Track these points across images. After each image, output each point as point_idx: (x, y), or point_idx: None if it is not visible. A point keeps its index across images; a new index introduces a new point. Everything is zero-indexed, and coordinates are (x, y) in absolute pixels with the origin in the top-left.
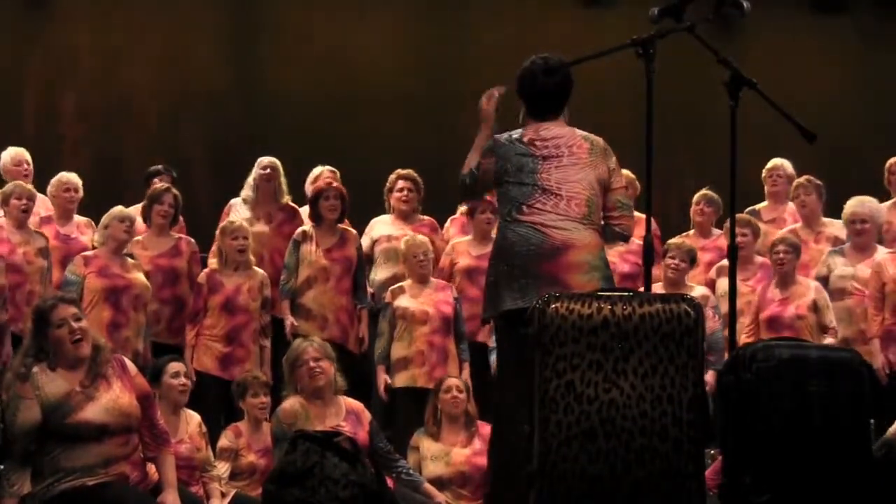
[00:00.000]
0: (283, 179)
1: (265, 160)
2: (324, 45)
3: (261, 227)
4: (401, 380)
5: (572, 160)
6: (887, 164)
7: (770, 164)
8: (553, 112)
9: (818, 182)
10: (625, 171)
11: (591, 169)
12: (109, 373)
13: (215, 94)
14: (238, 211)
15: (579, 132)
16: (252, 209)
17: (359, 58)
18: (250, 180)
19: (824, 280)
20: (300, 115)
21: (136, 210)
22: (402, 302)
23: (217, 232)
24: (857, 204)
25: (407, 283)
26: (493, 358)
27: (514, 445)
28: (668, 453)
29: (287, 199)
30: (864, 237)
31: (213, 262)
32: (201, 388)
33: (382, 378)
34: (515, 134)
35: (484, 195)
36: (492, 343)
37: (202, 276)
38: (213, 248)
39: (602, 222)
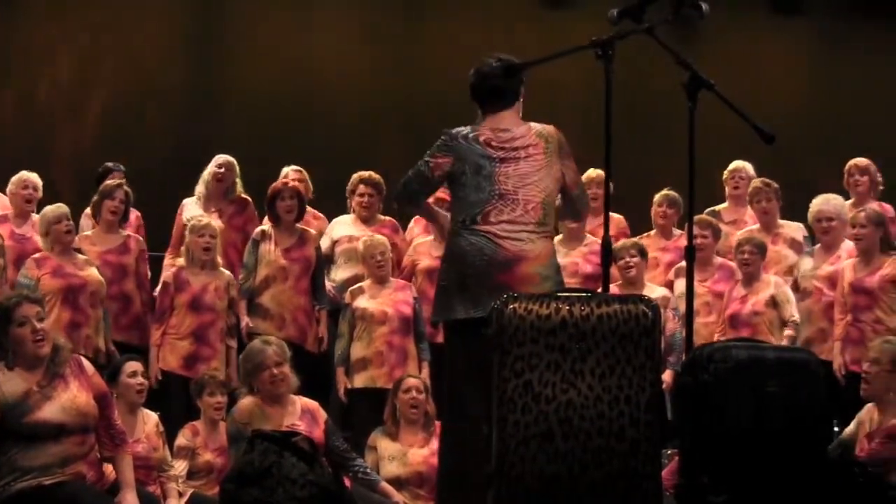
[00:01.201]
0: (237, 178)
1: (221, 158)
2: (284, 45)
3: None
4: (360, 380)
5: (529, 162)
6: (847, 166)
7: (732, 165)
8: (506, 104)
9: (775, 185)
10: (596, 171)
11: (546, 170)
12: (67, 372)
13: (172, 93)
14: (189, 209)
15: (534, 127)
16: (203, 205)
17: (319, 59)
18: (205, 175)
19: (795, 283)
20: (260, 116)
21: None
22: (362, 302)
23: (185, 231)
24: (822, 202)
25: (366, 283)
26: None
27: (463, 447)
28: (626, 454)
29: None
30: (830, 235)
31: (179, 260)
32: (166, 387)
33: (342, 381)
34: (472, 132)
35: (426, 200)
36: None
37: (168, 275)
38: (170, 246)
39: (554, 225)
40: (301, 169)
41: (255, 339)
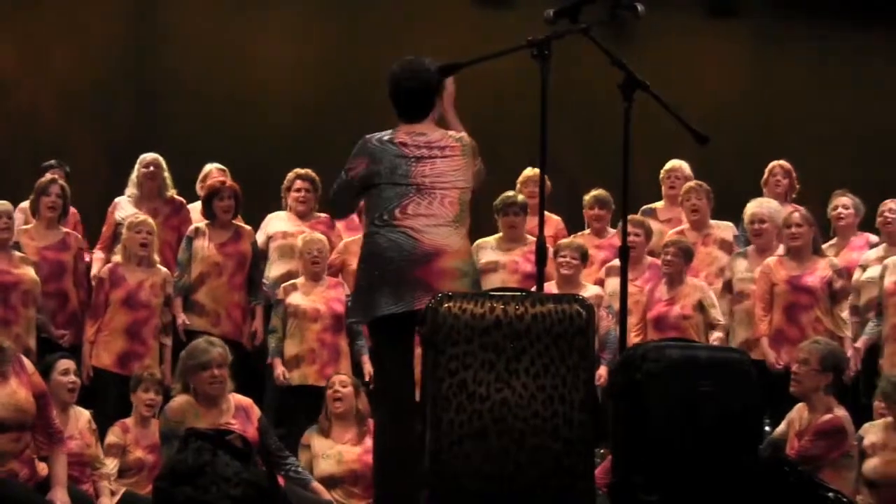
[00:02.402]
0: (166, 175)
1: (147, 157)
2: (221, 42)
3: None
4: (293, 378)
5: (446, 161)
6: (770, 165)
7: (668, 165)
8: (422, 114)
9: (707, 186)
10: (533, 170)
11: (463, 170)
12: (8, 370)
13: (109, 90)
14: (124, 208)
15: (450, 133)
16: (136, 206)
17: (255, 56)
18: (133, 177)
19: (728, 284)
20: (195, 113)
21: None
22: (294, 299)
23: (120, 228)
24: (756, 205)
25: (300, 280)
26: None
27: (396, 444)
28: (559, 453)
29: (172, 192)
30: (763, 238)
31: (115, 257)
32: (100, 384)
33: (280, 370)
34: (386, 136)
35: (357, 205)
36: None
37: (104, 271)
38: (99, 241)
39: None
40: (224, 168)
41: (200, 337)
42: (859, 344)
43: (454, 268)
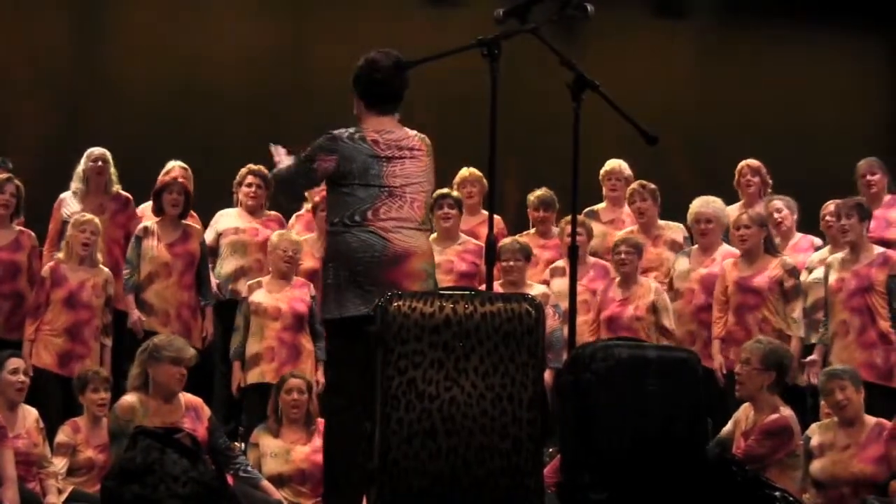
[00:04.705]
0: (113, 170)
1: (96, 151)
2: (171, 39)
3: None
4: (252, 376)
5: (414, 163)
6: (738, 167)
7: (607, 166)
8: (392, 106)
9: (652, 186)
10: (469, 170)
11: (427, 172)
12: None
13: (56, 84)
14: (69, 204)
15: (412, 132)
16: (82, 201)
17: (205, 53)
18: (79, 171)
19: (671, 282)
20: (145, 110)
21: None
22: (257, 297)
23: (65, 225)
24: (701, 204)
25: (266, 278)
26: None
27: (347, 444)
28: (508, 452)
29: (117, 188)
30: (708, 237)
31: (59, 255)
32: (40, 384)
33: (237, 376)
34: (357, 133)
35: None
36: None
37: (45, 270)
38: (47, 242)
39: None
40: (186, 166)
41: (171, 336)
42: (815, 356)
43: (422, 269)
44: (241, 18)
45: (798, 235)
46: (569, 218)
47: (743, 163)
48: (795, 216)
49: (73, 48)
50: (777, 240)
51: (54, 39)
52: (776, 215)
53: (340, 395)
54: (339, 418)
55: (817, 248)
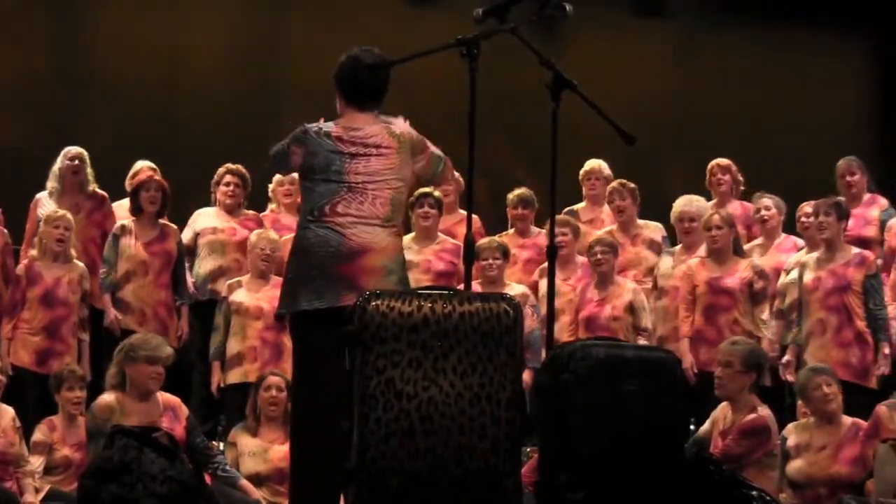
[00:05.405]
0: (89, 170)
1: (72, 150)
2: (146, 36)
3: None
4: (234, 376)
5: (381, 160)
6: (709, 166)
7: (587, 166)
8: (373, 103)
9: (632, 185)
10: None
11: (397, 170)
12: None
13: (34, 82)
14: (45, 204)
15: (391, 128)
16: (58, 200)
17: (181, 51)
18: (55, 170)
19: (655, 281)
20: (121, 108)
21: None
22: (238, 297)
23: (36, 223)
24: (685, 203)
25: (245, 277)
26: None
27: (314, 442)
28: (486, 451)
29: (94, 186)
30: (691, 236)
31: (32, 252)
32: (18, 383)
33: (216, 376)
34: (326, 127)
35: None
36: None
37: (20, 268)
38: (24, 243)
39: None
40: (154, 166)
41: (148, 335)
42: (789, 356)
43: (381, 265)
44: (219, 18)
45: (782, 236)
46: (558, 219)
47: (713, 162)
48: (783, 217)
49: (50, 45)
50: (760, 238)
51: (32, 37)
52: (763, 212)
53: (301, 392)
54: (300, 415)
55: (799, 250)
